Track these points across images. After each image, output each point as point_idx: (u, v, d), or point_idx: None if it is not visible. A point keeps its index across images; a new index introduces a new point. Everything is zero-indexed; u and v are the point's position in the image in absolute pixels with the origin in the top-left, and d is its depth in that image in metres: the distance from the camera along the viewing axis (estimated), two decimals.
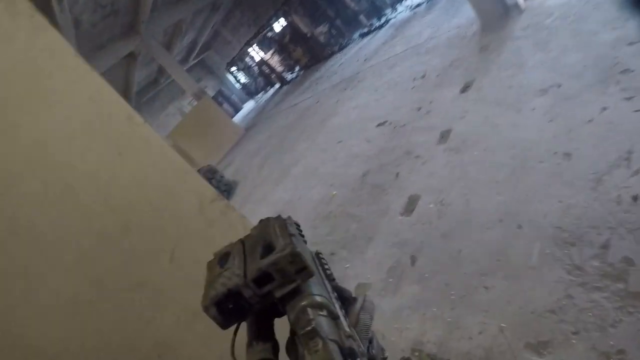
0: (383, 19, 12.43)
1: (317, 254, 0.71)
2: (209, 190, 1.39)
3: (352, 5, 13.25)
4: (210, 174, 8.28)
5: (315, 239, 3.86)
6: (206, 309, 0.57)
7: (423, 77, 5.76)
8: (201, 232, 1.34)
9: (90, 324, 1.14)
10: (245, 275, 0.56)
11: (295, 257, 0.55)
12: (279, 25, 18.00)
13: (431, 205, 3.07)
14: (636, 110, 2.42)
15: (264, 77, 19.58)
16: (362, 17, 13.28)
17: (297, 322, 0.53)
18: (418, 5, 10.77)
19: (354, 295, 0.69)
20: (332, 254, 3.45)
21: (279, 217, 0.67)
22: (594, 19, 3.75)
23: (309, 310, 0.53)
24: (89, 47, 10.33)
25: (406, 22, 10.32)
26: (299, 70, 16.70)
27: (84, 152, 1.17)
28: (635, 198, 1.93)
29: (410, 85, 5.85)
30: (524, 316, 1.85)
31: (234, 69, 21.33)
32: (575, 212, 2.10)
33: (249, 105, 23.16)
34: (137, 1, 11.08)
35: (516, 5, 5.28)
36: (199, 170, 7.63)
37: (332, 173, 5.06)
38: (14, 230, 1.05)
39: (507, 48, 4.57)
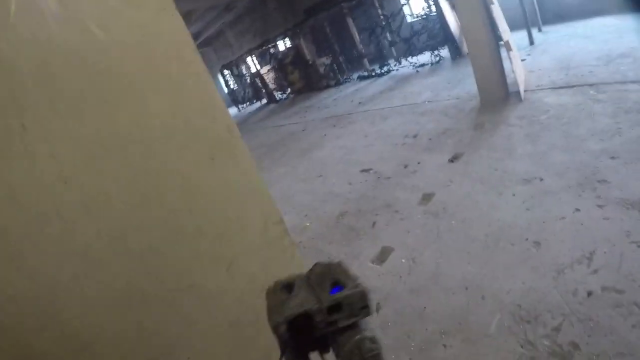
0: (385, 68, 13.04)
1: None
2: (276, 213, 1.51)
3: (360, 47, 13.84)
4: None
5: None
6: (276, 326, 0.65)
7: (415, 136, 6.15)
8: (260, 250, 1.45)
9: (135, 315, 1.21)
10: (319, 302, 0.66)
11: (363, 295, 0.66)
12: (284, 44, 18.51)
13: (403, 260, 3.34)
14: (605, 218, 2.85)
15: (253, 89, 19.85)
16: (365, 61, 13.86)
17: (359, 349, 0.63)
18: (422, 65, 11.43)
19: None
20: None
21: (339, 262, 0.76)
22: (585, 126, 4.26)
23: (367, 342, 0.64)
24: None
25: (407, 78, 10.90)
26: (290, 94, 17.09)
27: (181, 148, 1.26)
28: (589, 293, 2.30)
29: (401, 141, 6.23)
30: None
31: (227, 72, 21.55)
32: (535, 295, 2.44)
33: (231, 112, 23.18)
34: None
35: (517, 94, 5.82)
36: None
37: (308, 205, 5.26)
38: (90, 209, 1.12)
39: (501, 132, 5.04)
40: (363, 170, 5.65)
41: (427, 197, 4.19)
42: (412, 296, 2.89)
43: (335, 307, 0.66)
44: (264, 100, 19.23)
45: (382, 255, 3.54)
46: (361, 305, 0.66)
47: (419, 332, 2.55)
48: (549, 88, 5.83)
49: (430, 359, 2.33)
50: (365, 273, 3.38)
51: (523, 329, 2.26)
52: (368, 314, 0.68)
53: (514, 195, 3.59)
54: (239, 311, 1.40)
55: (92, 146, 1.12)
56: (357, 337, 0.65)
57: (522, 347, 2.16)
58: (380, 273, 3.30)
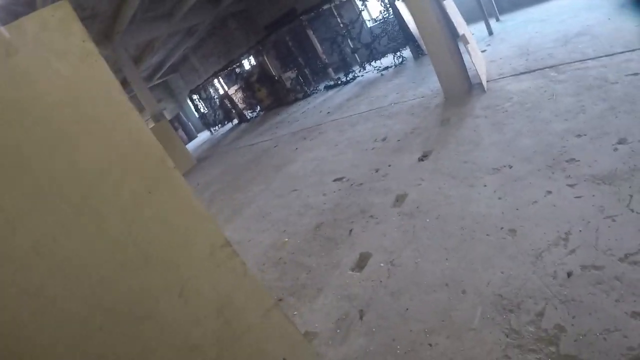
0: (350, 76, 13.16)
1: None
2: (221, 237, 1.53)
3: (324, 57, 13.94)
4: None
5: (263, 284, 3.96)
6: None
7: (384, 139, 6.16)
8: (209, 273, 1.47)
9: (95, 349, 1.21)
10: None
11: None
12: (248, 62, 18.54)
13: (382, 264, 3.29)
14: (577, 197, 2.85)
15: (224, 110, 19.81)
16: (330, 70, 13.96)
17: None
18: (386, 68, 11.56)
19: None
20: (280, 299, 3.56)
21: None
22: (549, 109, 4.31)
23: None
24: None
25: (373, 82, 10.99)
26: (260, 111, 17.11)
27: (118, 184, 1.30)
28: (569, 274, 2.27)
29: (370, 145, 6.23)
30: None
31: (195, 97, 21.51)
32: (515, 283, 2.41)
33: (203, 136, 23.21)
34: (117, 11, 11.28)
35: (480, 85, 5.90)
36: None
37: (285, 220, 5.21)
38: (38, 250, 1.14)
39: (467, 124, 5.07)
40: (336, 180, 5.63)
41: (400, 199, 4.17)
42: (393, 299, 2.84)
43: None
44: (235, 121, 19.20)
45: (361, 262, 3.49)
46: None
47: (404, 334, 2.49)
48: (511, 75, 5.91)
49: None
50: (346, 282, 3.33)
51: (507, 318, 2.21)
52: None
53: (485, 186, 3.58)
54: (198, 334, 1.40)
55: (33, 191, 1.17)
56: None
57: (507, 336, 2.11)
58: (361, 280, 3.25)
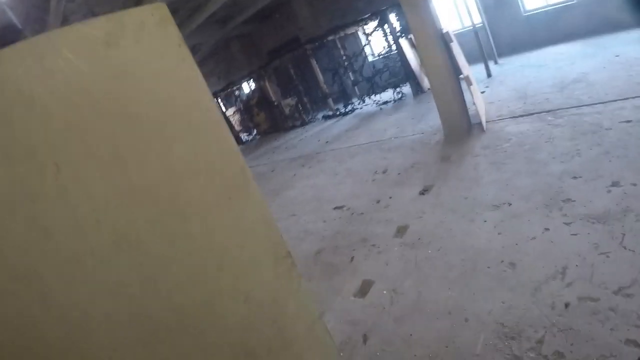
0: (349, 107, 13.41)
1: None
2: (284, 247, 1.60)
3: (324, 87, 14.23)
4: None
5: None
6: None
7: (384, 172, 6.36)
8: (271, 282, 1.54)
9: (164, 348, 1.27)
10: None
11: None
12: (248, 86, 18.80)
13: (384, 292, 3.44)
14: (573, 234, 3.08)
15: None
16: (330, 100, 14.24)
17: None
18: (385, 102, 11.84)
19: None
20: None
21: None
22: (546, 150, 4.58)
23: None
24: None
25: (372, 116, 11.24)
26: (256, 135, 17.29)
27: (202, 189, 1.35)
28: (566, 305, 2.48)
29: (371, 177, 6.42)
30: None
31: None
32: (516, 312, 2.60)
33: None
34: None
35: (479, 125, 6.16)
36: None
37: None
38: (120, 245, 1.19)
39: (467, 162, 5.31)
40: (336, 208, 5.78)
41: (402, 230, 4.34)
42: (397, 325, 2.98)
43: None
44: None
45: (364, 288, 3.63)
46: None
47: (408, 358, 2.64)
48: (509, 117, 6.21)
49: None
50: (348, 307, 3.45)
51: (508, 344, 2.39)
52: None
53: (485, 221, 3.79)
54: (254, 342, 1.45)
55: (122, 187, 1.19)
56: None
57: None
58: (364, 305, 3.38)
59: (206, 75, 22.33)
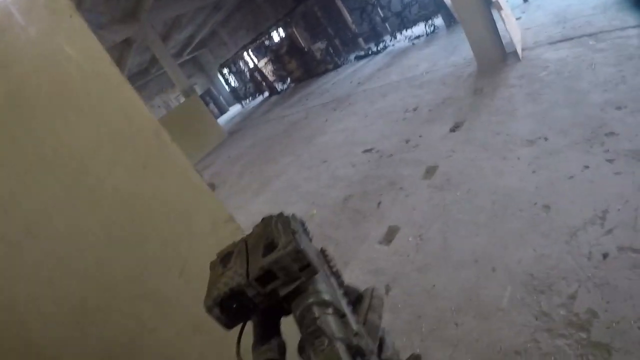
0: (381, 46, 12.79)
1: (323, 250, 0.70)
2: (223, 212, 1.47)
3: (353, 27, 13.59)
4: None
5: None
6: (209, 309, 0.57)
7: (415, 110, 5.98)
8: (211, 251, 1.46)
9: (94, 329, 1.19)
10: (247, 274, 0.56)
11: (298, 254, 0.54)
12: (277, 35, 18.29)
13: (410, 239, 3.21)
14: (616, 173, 2.65)
15: (254, 83, 19.71)
16: (360, 40, 13.63)
17: (302, 320, 0.53)
18: (417, 37, 11.17)
19: (361, 292, 0.69)
20: None
21: (281, 214, 0.66)
22: (587, 79, 4.04)
23: (315, 308, 0.53)
24: (87, 24, 10.46)
25: (404, 52, 10.66)
26: (290, 83, 16.94)
27: (110, 161, 1.24)
28: (605, 256, 2.12)
29: (401, 116, 6.06)
30: (491, 354, 1.98)
31: (225, 70, 21.45)
32: (548, 262, 2.28)
33: (234, 109, 23.27)
34: None
35: (515, 54, 5.59)
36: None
37: (314, 192, 5.16)
38: (32, 232, 1.10)
39: (501, 94, 4.83)
40: (365, 151, 5.52)
41: (430, 171, 4.04)
42: (420, 275, 2.76)
43: (267, 276, 0.55)
44: (266, 94, 19.10)
45: (389, 235, 3.41)
46: (299, 265, 0.55)
47: (430, 311, 2.42)
48: (547, 43, 5.57)
49: (442, 339, 2.20)
50: (373, 255, 3.27)
51: (537, 299, 2.10)
52: (314, 272, 0.56)
53: (518, 158, 3.41)
54: (203, 315, 1.33)
55: (24, 172, 1.11)
56: (307, 301, 0.54)
57: (536, 319, 2.01)
58: (388, 254, 3.18)
59: (235, 30, 21.95)
